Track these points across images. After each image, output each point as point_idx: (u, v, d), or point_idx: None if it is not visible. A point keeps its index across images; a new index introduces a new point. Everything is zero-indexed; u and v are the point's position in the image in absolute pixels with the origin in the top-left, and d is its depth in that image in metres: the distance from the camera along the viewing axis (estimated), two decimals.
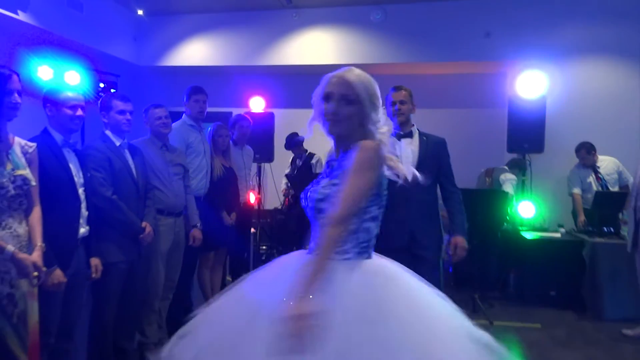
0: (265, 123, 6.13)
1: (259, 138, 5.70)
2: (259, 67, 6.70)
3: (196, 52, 6.73)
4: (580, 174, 5.29)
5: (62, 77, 5.43)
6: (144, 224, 2.90)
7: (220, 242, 4.20)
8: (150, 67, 6.83)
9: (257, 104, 6.53)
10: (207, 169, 4.09)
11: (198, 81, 6.64)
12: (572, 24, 5.83)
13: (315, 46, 6.50)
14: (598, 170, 5.22)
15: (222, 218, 4.18)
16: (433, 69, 6.63)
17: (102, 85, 5.88)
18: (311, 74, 6.69)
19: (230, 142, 4.47)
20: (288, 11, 6.41)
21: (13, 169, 2.16)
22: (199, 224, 3.69)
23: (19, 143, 2.26)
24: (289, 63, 6.58)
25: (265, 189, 6.70)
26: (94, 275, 2.64)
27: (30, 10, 4.77)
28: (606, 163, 5.23)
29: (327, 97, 1.63)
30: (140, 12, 6.06)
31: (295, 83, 7.05)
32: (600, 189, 5.18)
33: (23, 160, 2.22)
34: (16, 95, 2.21)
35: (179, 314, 3.83)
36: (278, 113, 6.45)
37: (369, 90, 1.62)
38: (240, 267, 5.14)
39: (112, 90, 6.07)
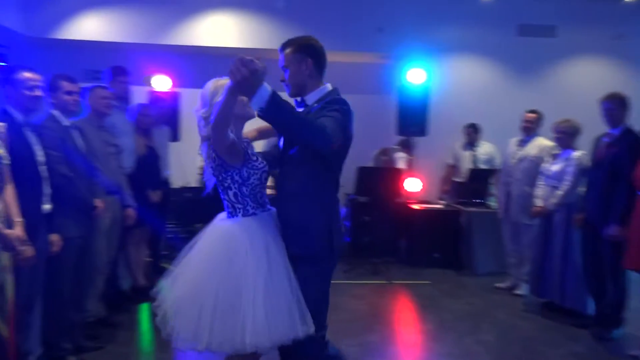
0: (171, 102, 6.21)
1: (164, 117, 5.74)
2: (162, 45, 6.67)
3: (93, 26, 6.48)
4: (459, 150, 6.21)
5: None
6: (96, 201, 3.03)
7: (144, 219, 4.33)
8: (41, 39, 6.43)
9: (160, 83, 6.53)
10: (130, 148, 4.19)
11: (94, 56, 6.55)
12: (448, 26, 6.77)
13: (220, 28, 6.66)
14: (474, 149, 6.15)
15: (146, 196, 4.32)
16: (331, 57, 7.12)
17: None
18: (217, 55, 6.98)
19: None
20: None
21: None
22: (132, 204, 3.82)
23: None
24: (193, 43, 6.66)
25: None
26: (54, 249, 2.74)
27: None
28: (486, 146, 6.16)
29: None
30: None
31: (203, 63, 7.15)
32: (472, 165, 6.15)
33: None
34: None
35: (108, 288, 3.96)
36: (185, 92, 6.54)
37: None
38: (157, 244, 5.26)
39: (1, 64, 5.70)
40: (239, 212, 2.08)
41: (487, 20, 6.81)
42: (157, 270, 5.12)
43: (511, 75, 6.85)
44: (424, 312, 4.34)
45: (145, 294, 4.37)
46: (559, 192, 4.21)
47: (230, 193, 2.07)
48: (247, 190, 2.07)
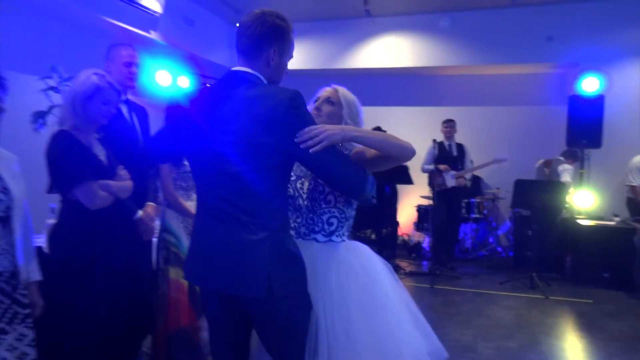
0: None
1: None
2: (338, 70, 7.52)
3: None
4: None
5: (176, 81, 6.53)
6: None
7: None
8: None
9: None
10: None
11: (285, 83, 7.62)
12: (628, 28, 6.25)
13: (389, 51, 7.24)
14: None
15: None
16: (497, 69, 7.20)
17: (208, 86, 6.95)
18: (386, 75, 7.59)
19: None
20: (365, 19, 7.18)
21: None
22: None
23: None
24: (366, 66, 7.36)
25: None
26: None
27: (159, 29, 5.81)
28: None
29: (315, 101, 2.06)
30: (238, 24, 7.02)
31: (371, 83, 7.85)
32: None
33: None
34: None
35: None
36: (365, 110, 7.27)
37: (350, 101, 2.04)
38: None
39: None
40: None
41: None
42: None
43: None
44: (574, 329, 4.22)
45: None
46: None
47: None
48: None
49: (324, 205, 1.89)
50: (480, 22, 6.87)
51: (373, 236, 7.02)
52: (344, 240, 1.93)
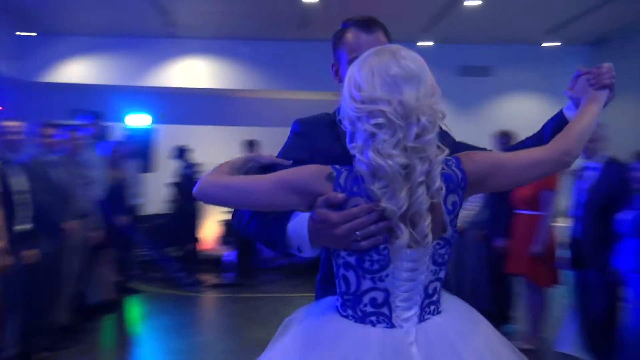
0: (146, 137, 6.98)
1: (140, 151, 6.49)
2: (139, 87, 7.47)
3: (77, 71, 7.30)
4: None
5: None
6: (68, 223, 3.72)
7: (112, 241, 5.00)
8: (32, 82, 7.22)
9: (137, 120, 7.31)
10: (101, 179, 4.90)
11: (81, 98, 7.30)
12: None
13: (192, 71, 7.49)
14: None
15: (115, 220, 5.01)
16: (295, 95, 8.00)
17: None
18: (189, 94, 7.78)
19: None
20: (169, 39, 7.29)
21: None
22: (101, 226, 4.52)
23: None
24: (168, 85, 7.47)
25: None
26: (31, 261, 3.42)
27: None
28: None
29: None
30: (20, 32, 6.47)
31: (176, 102, 7.97)
32: None
33: None
34: None
35: (78, 299, 4.59)
36: (160, 129, 7.30)
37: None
38: (125, 264, 5.87)
39: None
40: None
41: (429, 62, 7.63)
42: (125, 289, 5.76)
43: (452, 111, 7.65)
44: None
45: (111, 307, 5.04)
46: (469, 212, 4.95)
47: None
48: None
49: None
50: (278, 52, 7.56)
51: (178, 253, 7.09)
52: None
